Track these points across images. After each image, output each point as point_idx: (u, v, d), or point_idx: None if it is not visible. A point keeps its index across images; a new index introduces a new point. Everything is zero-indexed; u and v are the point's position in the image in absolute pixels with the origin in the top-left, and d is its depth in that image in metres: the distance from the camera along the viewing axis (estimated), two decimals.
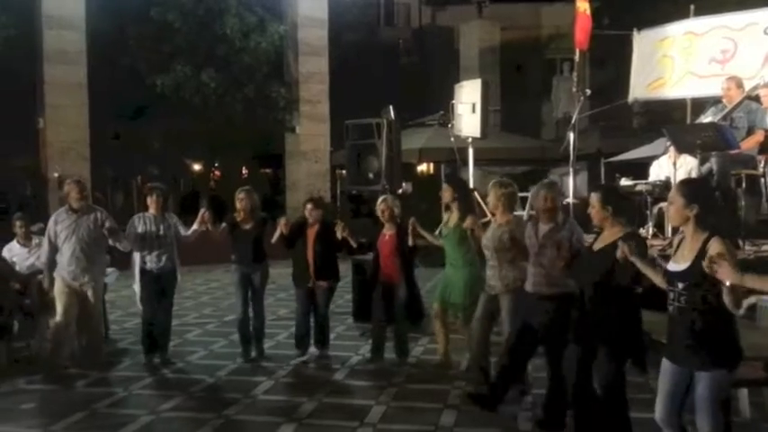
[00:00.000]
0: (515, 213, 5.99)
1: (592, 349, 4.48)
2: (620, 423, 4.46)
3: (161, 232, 7.03)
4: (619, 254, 4.12)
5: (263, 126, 17.34)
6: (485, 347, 5.91)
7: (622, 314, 4.38)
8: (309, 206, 7.19)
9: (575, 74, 10.21)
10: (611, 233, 4.50)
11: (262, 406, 5.86)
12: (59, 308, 6.73)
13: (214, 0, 16.05)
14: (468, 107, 9.98)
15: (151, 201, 7.11)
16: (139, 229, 7.02)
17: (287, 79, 17.59)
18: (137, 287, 7.50)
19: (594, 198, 4.58)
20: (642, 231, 8.47)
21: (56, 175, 14.50)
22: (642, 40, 9.78)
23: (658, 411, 3.94)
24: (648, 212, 8.39)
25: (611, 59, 15.99)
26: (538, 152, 18.97)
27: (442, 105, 11.41)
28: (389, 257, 6.85)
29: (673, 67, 9.30)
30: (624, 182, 8.92)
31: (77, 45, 14.59)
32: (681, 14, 9.48)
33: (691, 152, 7.48)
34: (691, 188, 3.93)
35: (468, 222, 6.12)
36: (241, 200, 7.16)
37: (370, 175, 9.57)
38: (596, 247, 4.58)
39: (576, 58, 9.97)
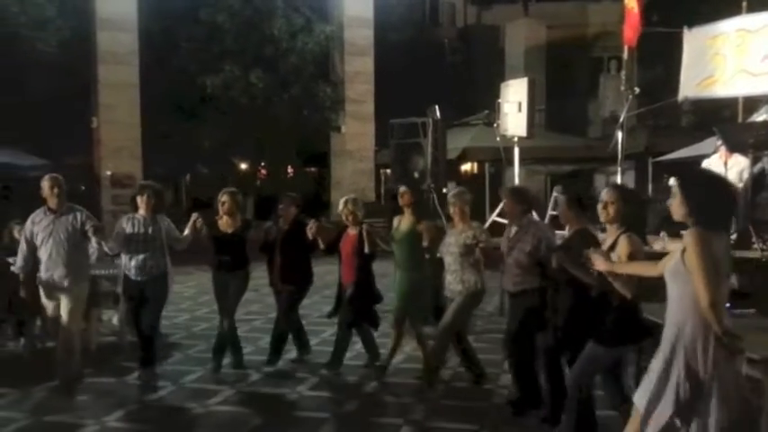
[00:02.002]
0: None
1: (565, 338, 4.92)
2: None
3: (149, 235, 6.47)
4: (554, 264, 4.63)
5: (309, 125, 17.50)
6: (468, 349, 6.24)
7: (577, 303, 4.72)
8: (287, 201, 6.87)
9: (622, 72, 10.10)
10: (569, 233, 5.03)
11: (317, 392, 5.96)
12: (49, 318, 6.35)
13: (262, 1, 16.28)
14: (514, 106, 9.95)
15: (141, 200, 6.51)
16: (127, 231, 6.46)
17: (333, 79, 17.73)
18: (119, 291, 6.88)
19: (561, 200, 5.14)
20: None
21: (108, 173, 14.89)
22: (693, 38, 9.62)
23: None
24: None
25: (659, 57, 15.72)
26: (584, 151, 18.73)
27: (487, 104, 11.39)
28: (350, 257, 6.55)
29: (725, 64, 9.14)
30: (673, 182, 8.78)
31: (130, 46, 14.96)
32: (733, 11, 9.31)
33: (743, 151, 7.35)
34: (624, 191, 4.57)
35: (424, 227, 6.25)
36: (223, 203, 6.73)
37: (415, 175, 9.60)
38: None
39: (625, 55, 9.87)
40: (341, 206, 6.66)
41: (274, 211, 6.90)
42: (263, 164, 22.12)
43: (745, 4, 9.11)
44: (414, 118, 9.91)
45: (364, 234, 6.40)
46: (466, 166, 21.76)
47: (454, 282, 5.94)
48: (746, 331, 4.80)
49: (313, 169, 24.55)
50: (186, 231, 6.66)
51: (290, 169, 24.34)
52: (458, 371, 6.57)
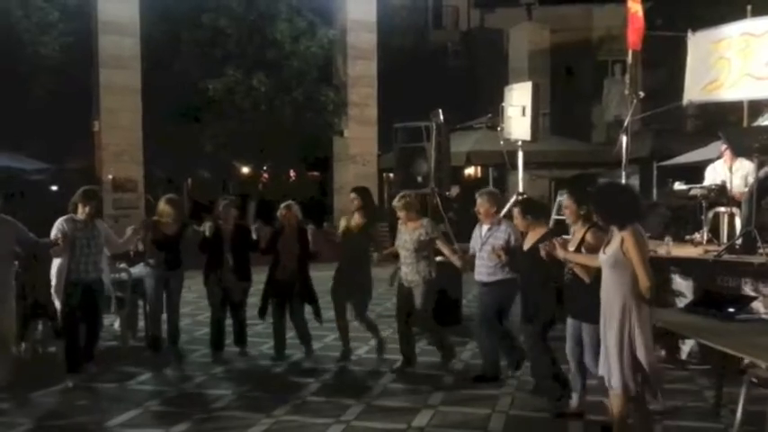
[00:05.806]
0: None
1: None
2: (550, 373, 5.74)
3: (89, 240, 6.55)
4: (543, 254, 5.19)
5: (311, 129, 17.47)
6: (409, 336, 6.94)
7: (552, 294, 5.57)
8: (226, 205, 7.45)
9: (627, 76, 10.05)
10: (534, 234, 5.80)
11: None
12: None
13: (265, 5, 16.26)
14: (518, 110, 9.90)
15: (83, 209, 6.55)
16: (69, 234, 6.44)
17: (336, 83, 17.71)
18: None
19: (515, 212, 5.98)
20: (696, 236, 8.30)
21: (110, 177, 14.88)
22: (697, 42, 9.55)
23: (567, 348, 5.44)
24: (703, 218, 8.20)
25: (663, 61, 15.68)
26: (588, 155, 18.72)
27: (491, 108, 11.35)
28: (291, 258, 7.19)
29: (729, 68, 9.06)
30: (678, 186, 8.72)
31: (132, 50, 14.95)
32: (737, 15, 9.25)
33: (748, 156, 7.29)
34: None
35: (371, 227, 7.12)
36: (171, 208, 7.36)
37: (419, 179, 9.58)
38: (525, 246, 5.87)
39: (629, 59, 9.80)
40: (282, 209, 7.32)
41: (215, 212, 7.52)
42: (264, 168, 22.08)
43: (749, 7, 9.05)
44: (418, 122, 9.88)
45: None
46: (469, 170, 21.74)
47: (411, 273, 6.75)
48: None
49: (315, 173, 24.53)
50: (125, 239, 7.13)
51: (292, 173, 24.32)
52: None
